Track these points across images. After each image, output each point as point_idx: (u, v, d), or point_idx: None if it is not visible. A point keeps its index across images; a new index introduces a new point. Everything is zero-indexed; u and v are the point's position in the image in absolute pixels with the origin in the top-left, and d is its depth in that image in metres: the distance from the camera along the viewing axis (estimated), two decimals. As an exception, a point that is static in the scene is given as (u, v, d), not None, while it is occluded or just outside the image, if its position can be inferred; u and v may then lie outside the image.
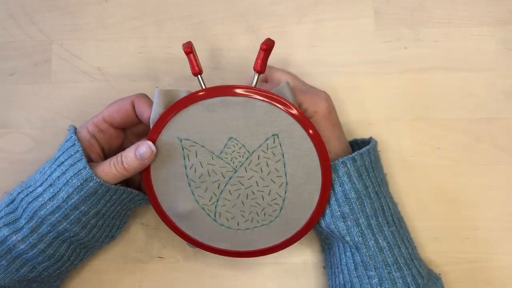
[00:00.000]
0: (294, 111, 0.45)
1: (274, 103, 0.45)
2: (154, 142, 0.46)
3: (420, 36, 0.55)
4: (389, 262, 0.46)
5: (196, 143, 0.46)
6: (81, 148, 0.46)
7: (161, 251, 0.55)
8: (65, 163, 0.46)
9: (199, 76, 0.46)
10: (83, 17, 0.58)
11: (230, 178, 0.47)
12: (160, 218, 0.49)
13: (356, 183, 0.46)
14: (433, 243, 0.53)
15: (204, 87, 0.46)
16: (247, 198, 0.47)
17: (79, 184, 0.45)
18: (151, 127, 0.46)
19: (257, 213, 0.48)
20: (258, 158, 0.46)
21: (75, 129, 0.48)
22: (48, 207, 0.45)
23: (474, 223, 0.54)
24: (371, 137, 0.52)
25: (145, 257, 0.55)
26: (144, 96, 0.49)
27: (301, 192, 0.47)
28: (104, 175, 0.45)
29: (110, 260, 0.55)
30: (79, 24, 0.58)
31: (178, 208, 0.48)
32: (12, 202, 0.47)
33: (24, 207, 0.46)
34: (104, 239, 0.50)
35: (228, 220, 0.48)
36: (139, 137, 0.52)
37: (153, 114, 0.46)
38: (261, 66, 0.45)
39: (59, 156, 0.47)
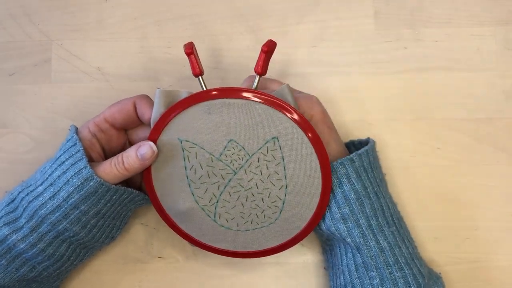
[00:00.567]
0: (295, 115, 0.45)
1: (275, 106, 0.45)
2: (154, 142, 0.46)
3: (420, 36, 0.55)
4: (390, 262, 0.46)
5: (196, 144, 0.46)
6: (82, 148, 0.46)
7: (161, 251, 0.55)
8: (66, 163, 0.46)
9: (200, 77, 0.46)
10: (83, 17, 0.58)
11: (230, 180, 0.47)
12: (161, 218, 0.50)
13: (355, 184, 0.46)
14: (433, 243, 0.53)
15: (205, 88, 0.46)
16: (246, 200, 0.47)
17: (79, 183, 0.45)
18: (151, 127, 0.46)
19: (256, 215, 0.48)
20: (258, 161, 0.46)
21: (76, 129, 0.48)
22: (48, 206, 0.45)
23: (474, 223, 0.54)
24: (368, 138, 0.52)
25: (145, 257, 0.55)
26: (146, 97, 0.49)
27: (301, 194, 0.47)
28: (105, 175, 0.46)
29: (110, 260, 0.55)
30: (79, 24, 0.58)
31: (179, 208, 0.48)
32: (12, 201, 0.47)
33: (24, 206, 0.46)
34: (104, 240, 0.50)
35: (228, 221, 0.48)
36: (140, 139, 0.52)
37: (153, 114, 0.46)
38: (262, 68, 0.45)
39: (60, 156, 0.47)
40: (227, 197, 0.47)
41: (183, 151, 0.47)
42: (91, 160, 0.48)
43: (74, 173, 0.45)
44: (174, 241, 0.55)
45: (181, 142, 0.46)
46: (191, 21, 0.57)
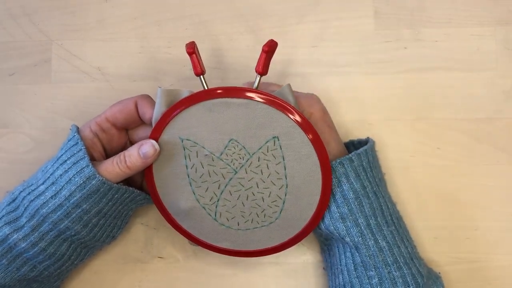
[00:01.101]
0: (296, 114, 0.45)
1: (276, 106, 0.45)
2: (156, 141, 0.46)
3: (420, 36, 0.55)
4: (389, 262, 0.46)
5: (197, 143, 0.46)
6: (84, 147, 0.46)
7: (161, 251, 0.55)
8: (68, 162, 0.46)
9: (201, 76, 0.46)
10: (83, 17, 0.58)
11: (231, 179, 0.47)
12: (162, 216, 0.50)
13: (354, 183, 0.46)
14: (433, 243, 0.53)
15: (206, 88, 0.46)
16: (247, 199, 0.47)
17: (81, 182, 0.45)
18: (153, 126, 0.46)
19: (257, 214, 0.48)
20: (258, 160, 0.46)
21: (78, 128, 0.48)
22: (50, 205, 0.45)
23: (474, 223, 0.54)
24: (368, 137, 0.52)
25: (145, 257, 0.55)
26: (147, 97, 0.49)
27: (301, 194, 0.47)
28: (107, 174, 0.46)
29: (110, 260, 0.55)
30: (79, 24, 0.58)
31: (180, 207, 0.48)
32: (13, 201, 0.47)
33: (25, 206, 0.46)
34: (105, 239, 0.50)
35: (228, 220, 0.48)
36: (140, 138, 0.52)
37: (155, 113, 0.46)
38: (263, 68, 0.45)
39: (61, 155, 0.47)
40: (227, 196, 0.47)
41: (184, 150, 0.47)
42: (92, 159, 0.48)
43: (76, 172, 0.45)
44: (174, 241, 0.55)
45: (182, 141, 0.46)
46: (191, 21, 0.57)
